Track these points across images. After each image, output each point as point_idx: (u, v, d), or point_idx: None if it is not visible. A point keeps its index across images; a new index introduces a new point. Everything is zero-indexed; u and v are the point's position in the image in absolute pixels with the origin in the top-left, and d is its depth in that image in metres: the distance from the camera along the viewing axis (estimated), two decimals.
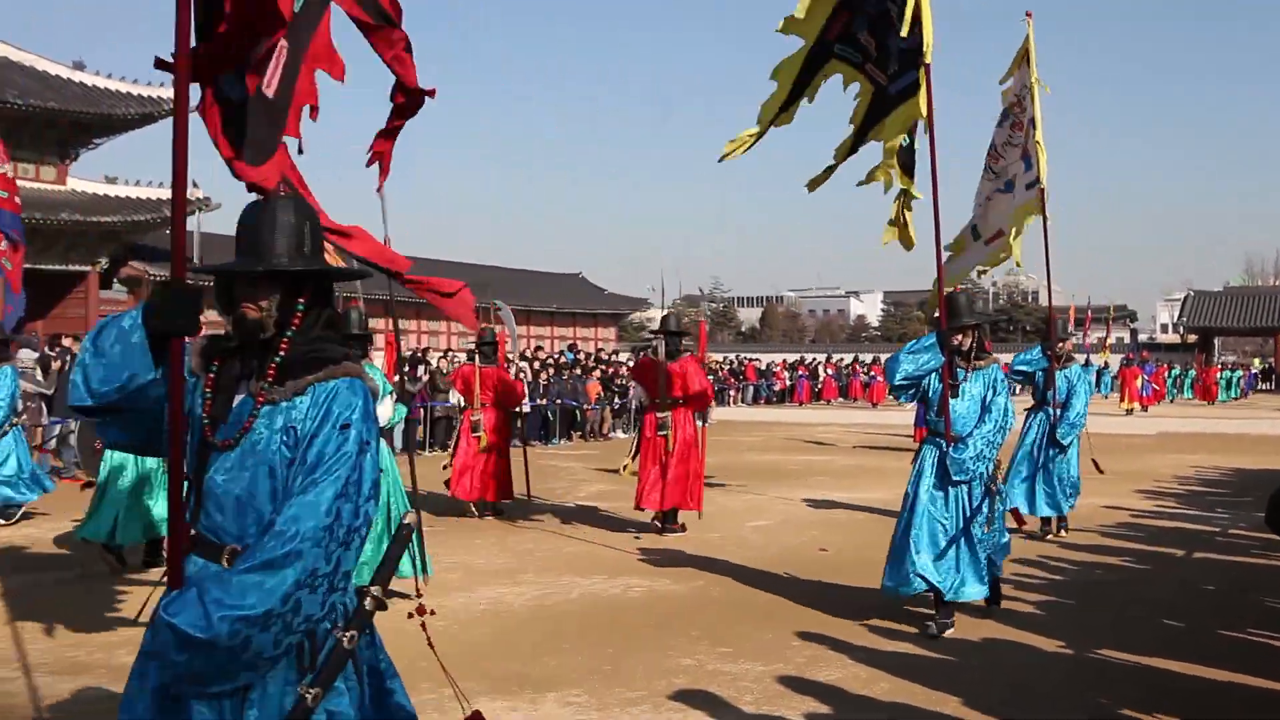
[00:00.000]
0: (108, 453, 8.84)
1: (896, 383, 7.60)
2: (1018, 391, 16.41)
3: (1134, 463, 19.34)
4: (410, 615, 3.24)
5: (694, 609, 8.03)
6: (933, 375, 7.52)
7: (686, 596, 8.42)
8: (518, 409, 13.61)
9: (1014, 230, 10.75)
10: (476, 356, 13.04)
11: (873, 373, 45.09)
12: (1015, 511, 8.49)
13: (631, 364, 20.57)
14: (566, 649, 6.91)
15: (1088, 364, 12.92)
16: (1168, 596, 8.55)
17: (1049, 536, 11.06)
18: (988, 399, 7.55)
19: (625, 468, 12.82)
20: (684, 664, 6.58)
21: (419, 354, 25.95)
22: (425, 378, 21.42)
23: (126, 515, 8.75)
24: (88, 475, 7.65)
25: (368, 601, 2.96)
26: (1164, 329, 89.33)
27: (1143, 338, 75.66)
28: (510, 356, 17.87)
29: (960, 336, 7.61)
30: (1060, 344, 10.79)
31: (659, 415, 11.43)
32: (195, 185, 36.71)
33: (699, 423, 11.75)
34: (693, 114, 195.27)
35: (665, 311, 14.15)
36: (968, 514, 7.37)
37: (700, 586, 8.75)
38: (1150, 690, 6.08)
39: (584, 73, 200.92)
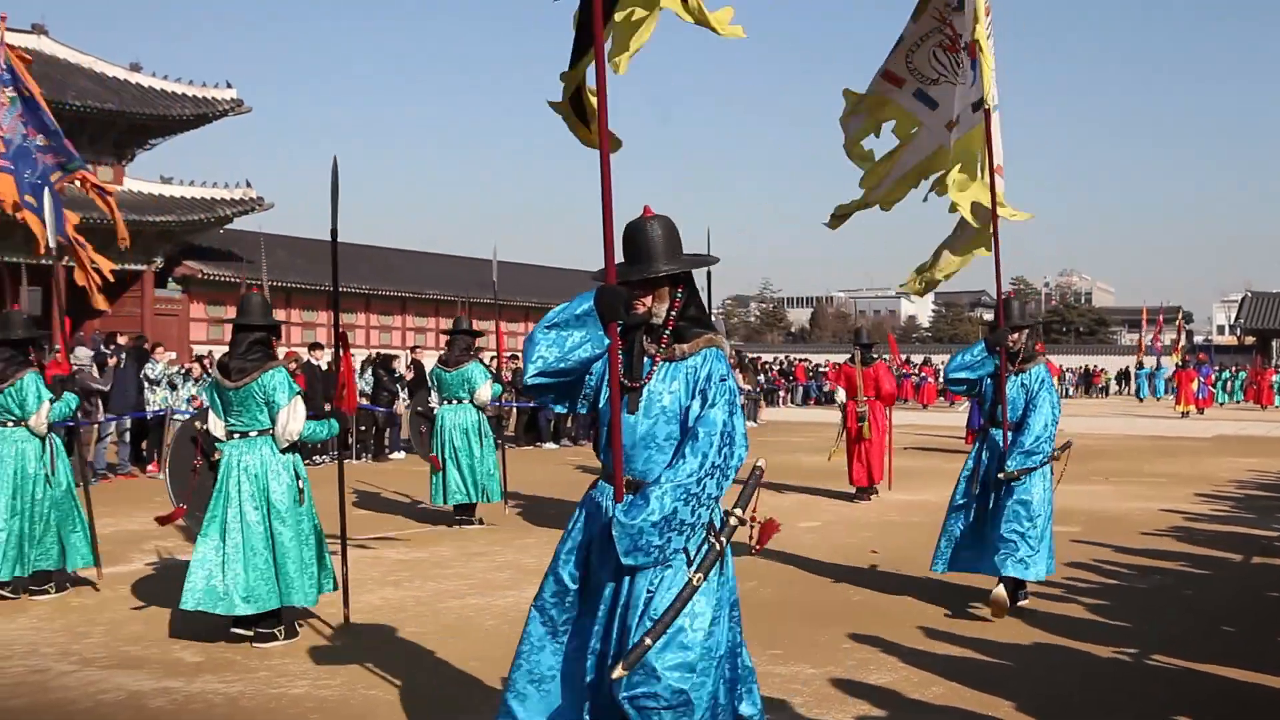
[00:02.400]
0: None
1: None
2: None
3: (1191, 466, 19.10)
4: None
5: (745, 610, 7.92)
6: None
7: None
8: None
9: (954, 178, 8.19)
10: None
11: (923, 374, 44.80)
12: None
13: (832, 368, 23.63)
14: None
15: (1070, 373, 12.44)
16: (1226, 602, 8.41)
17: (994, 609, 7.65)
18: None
19: (831, 454, 14.88)
20: None
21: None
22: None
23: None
24: (177, 503, 7.63)
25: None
26: (1220, 330, 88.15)
27: (1199, 339, 74.71)
28: None
29: (1012, 338, 7.99)
30: (1014, 337, 8.02)
31: (859, 409, 14.22)
32: (249, 186, 37.12)
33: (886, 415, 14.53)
34: (743, 115, 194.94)
35: (856, 325, 16.39)
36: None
37: (751, 587, 8.70)
38: (1207, 698, 5.98)
39: (638, 73, 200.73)
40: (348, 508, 7.97)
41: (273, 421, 7.11)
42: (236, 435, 7.14)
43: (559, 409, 4.33)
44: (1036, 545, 7.72)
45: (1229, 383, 50.69)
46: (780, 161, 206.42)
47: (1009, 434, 7.89)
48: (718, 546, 3.91)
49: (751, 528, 4.04)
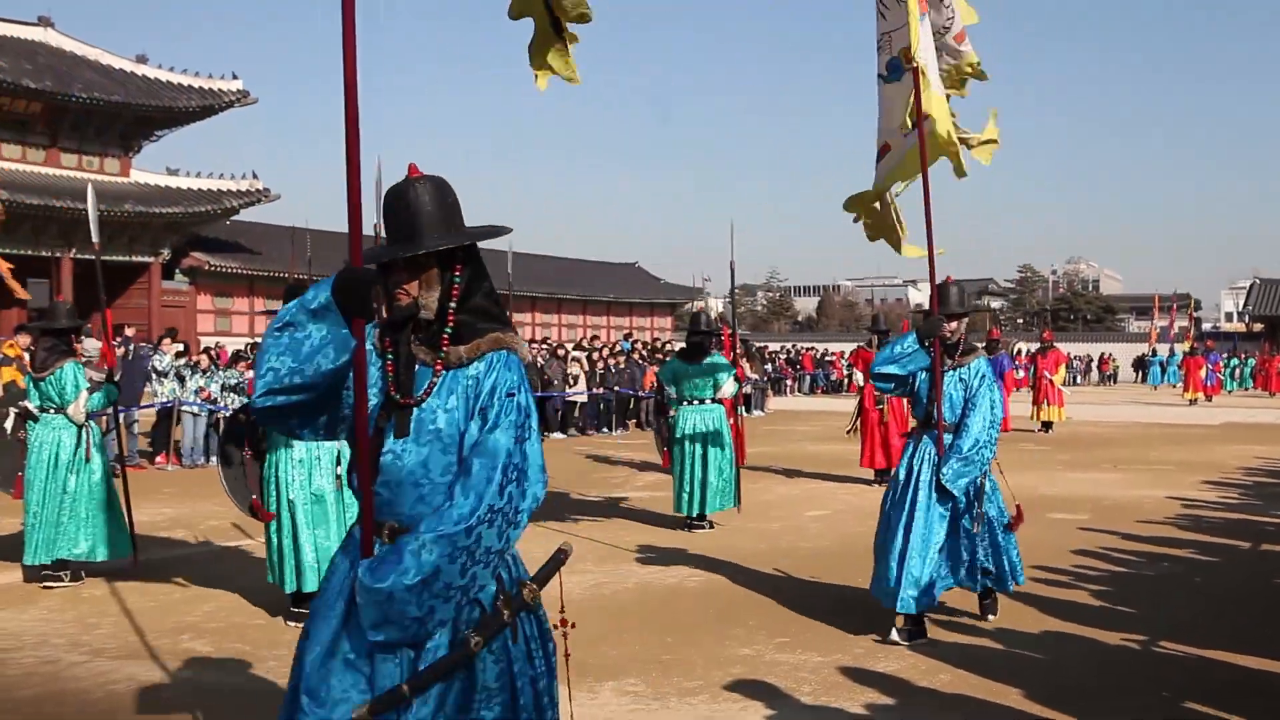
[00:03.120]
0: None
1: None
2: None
3: (1199, 453, 19.07)
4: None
5: (752, 599, 8.00)
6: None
7: (744, 586, 8.39)
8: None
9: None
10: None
11: None
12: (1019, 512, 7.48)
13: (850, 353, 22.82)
14: (624, 638, 6.90)
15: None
16: (1234, 589, 8.40)
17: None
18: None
19: (849, 432, 14.93)
20: (742, 654, 6.55)
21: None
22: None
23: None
24: (258, 511, 7.71)
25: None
26: (1229, 318, 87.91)
27: (1206, 327, 74.53)
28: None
29: (949, 328, 7.06)
30: (951, 326, 7.04)
31: (876, 392, 13.67)
32: (255, 177, 37.14)
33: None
34: (749, 105, 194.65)
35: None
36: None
37: (759, 576, 8.72)
38: (1217, 684, 5.98)
39: (640, 66, 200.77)
40: None
41: None
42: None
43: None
44: (1017, 556, 7.18)
45: (1237, 370, 50.55)
46: (786, 151, 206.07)
47: (945, 437, 6.93)
48: (505, 616, 3.01)
49: (562, 630, 3.27)
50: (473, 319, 3.15)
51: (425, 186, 3.14)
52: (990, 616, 7.30)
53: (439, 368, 3.10)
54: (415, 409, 3.07)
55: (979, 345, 7.42)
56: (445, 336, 3.11)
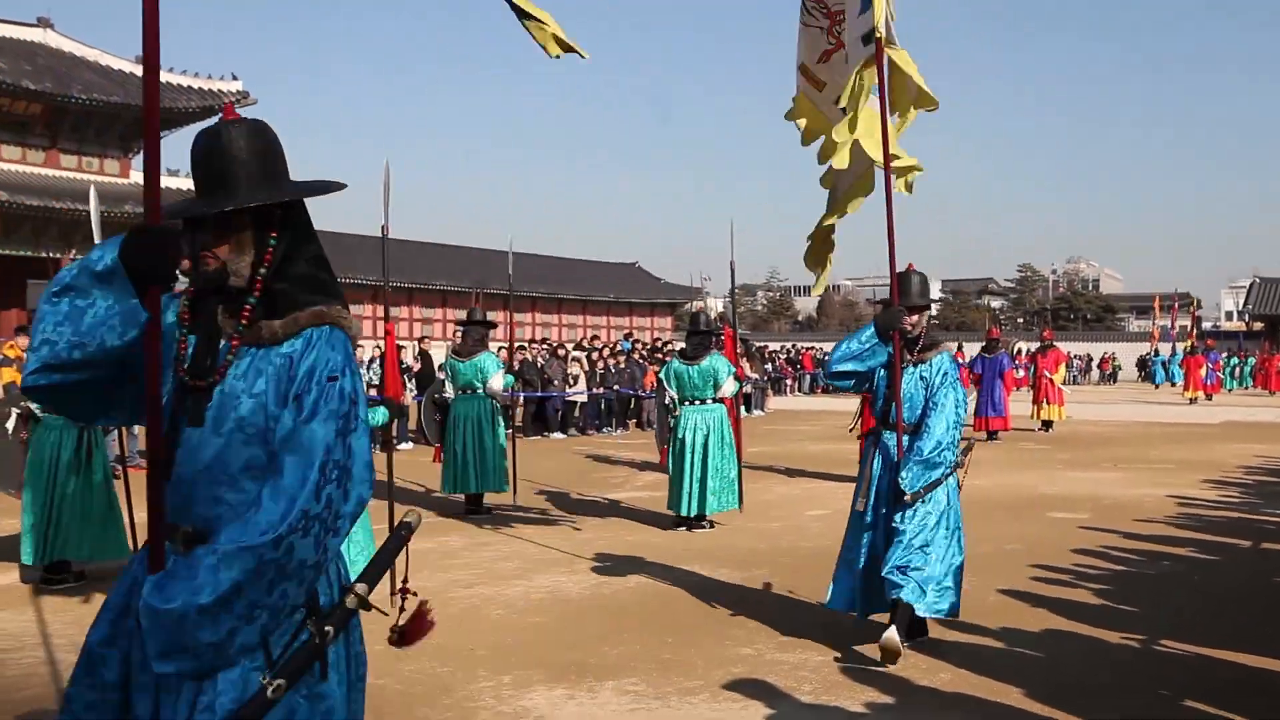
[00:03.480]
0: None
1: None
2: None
3: (1199, 452, 19.07)
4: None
5: (753, 598, 7.99)
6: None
7: (745, 585, 8.39)
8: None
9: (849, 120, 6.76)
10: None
11: None
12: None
13: None
14: (624, 638, 6.90)
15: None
16: (1235, 587, 8.40)
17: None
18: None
19: (851, 430, 14.01)
20: (742, 653, 6.55)
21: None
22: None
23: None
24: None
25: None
26: (1229, 316, 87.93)
27: (1206, 326, 74.53)
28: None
29: (910, 320, 6.57)
30: (912, 319, 6.56)
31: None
32: None
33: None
34: (750, 105, 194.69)
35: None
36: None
37: (759, 575, 8.72)
38: (1218, 683, 5.97)
39: (640, 66, 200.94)
40: None
41: None
42: None
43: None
44: (942, 575, 6.38)
45: (1237, 369, 50.56)
46: (786, 151, 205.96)
47: (905, 439, 6.48)
48: (317, 641, 2.56)
49: (398, 609, 2.82)
50: (294, 289, 2.68)
51: (242, 130, 2.70)
52: (903, 642, 6.22)
53: (236, 343, 2.63)
54: (216, 393, 2.60)
55: (942, 340, 6.87)
56: (248, 307, 2.64)
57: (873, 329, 6.43)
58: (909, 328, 6.56)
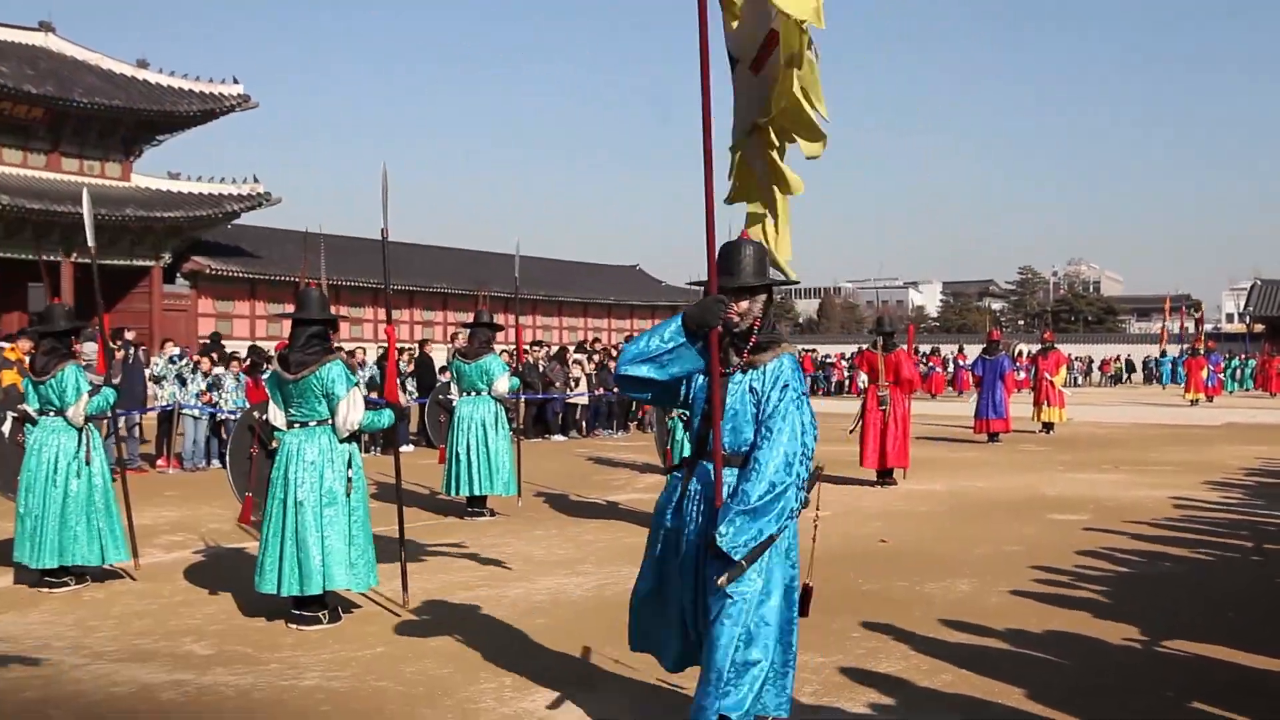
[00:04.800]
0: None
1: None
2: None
3: (1200, 454, 19.06)
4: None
5: None
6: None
7: None
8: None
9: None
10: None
11: (930, 363, 44.74)
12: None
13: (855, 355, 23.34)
14: (626, 639, 6.88)
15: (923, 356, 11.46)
16: (1237, 590, 8.39)
17: None
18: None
19: (851, 433, 15.01)
20: None
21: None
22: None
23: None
24: (241, 495, 7.81)
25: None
26: (1229, 318, 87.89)
27: (1207, 327, 74.53)
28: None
29: (736, 309, 4.68)
30: (740, 307, 4.72)
31: (880, 393, 14.42)
32: (256, 181, 37.17)
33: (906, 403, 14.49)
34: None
35: (877, 314, 16.47)
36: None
37: None
38: (1219, 684, 5.97)
39: (640, 66, 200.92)
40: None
41: (332, 413, 7.36)
42: (296, 425, 7.43)
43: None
44: (763, 669, 4.71)
45: (1238, 370, 50.53)
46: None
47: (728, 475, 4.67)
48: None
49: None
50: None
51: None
52: None
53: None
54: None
55: (783, 338, 4.85)
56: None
57: (679, 322, 4.51)
58: (735, 318, 4.68)
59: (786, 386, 4.68)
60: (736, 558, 4.48)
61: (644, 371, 4.59)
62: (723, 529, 4.48)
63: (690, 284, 7.39)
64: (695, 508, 4.79)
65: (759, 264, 4.80)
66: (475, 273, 45.48)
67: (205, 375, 17.44)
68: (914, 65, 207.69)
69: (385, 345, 8.58)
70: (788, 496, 4.64)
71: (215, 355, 19.12)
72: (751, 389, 4.71)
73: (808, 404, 4.76)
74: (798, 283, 6.50)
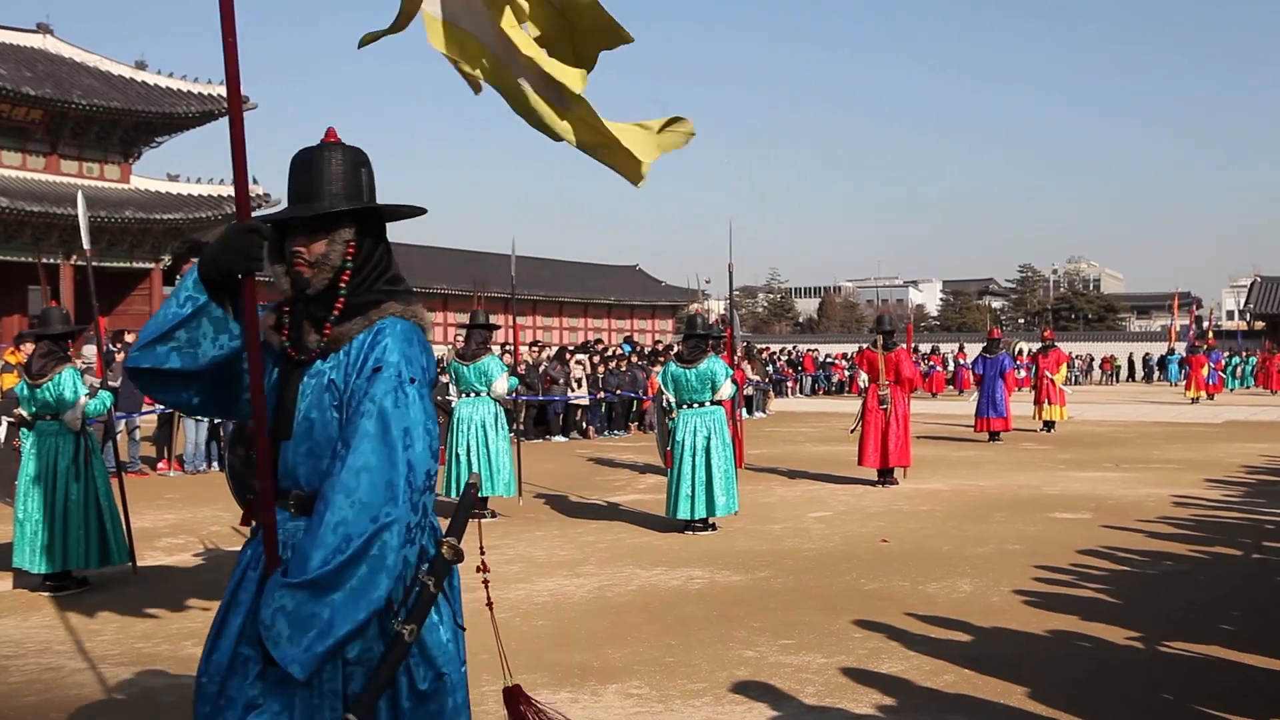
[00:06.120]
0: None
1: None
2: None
3: (1201, 452, 19.06)
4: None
5: (755, 600, 7.99)
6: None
7: (748, 588, 8.38)
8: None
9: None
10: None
11: (931, 362, 44.75)
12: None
13: (855, 354, 22.76)
14: (628, 640, 6.90)
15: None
16: (1238, 588, 8.39)
17: None
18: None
19: (852, 432, 15.04)
20: (745, 656, 6.55)
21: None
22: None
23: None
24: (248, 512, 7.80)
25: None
26: (1230, 315, 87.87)
27: (1207, 325, 74.53)
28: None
29: (304, 253, 3.00)
30: (298, 247, 2.98)
31: (880, 393, 14.36)
32: (255, 182, 37.14)
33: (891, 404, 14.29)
34: (750, 104, 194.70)
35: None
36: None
37: (762, 578, 8.71)
38: (1221, 683, 5.97)
39: (640, 66, 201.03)
40: None
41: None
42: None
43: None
44: None
45: (1239, 368, 50.51)
46: (786, 151, 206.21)
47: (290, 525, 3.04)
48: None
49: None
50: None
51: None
52: None
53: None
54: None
55: (403, 299, 3.07)
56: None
57: (195, 276, 2.92)
58: (304, 271, 3.00)
59: (379, 369, 2.87)
60: (300, 675, 2.74)
61: (163, 360, 2.92)
62: (267, 619, 2.77)
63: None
64: (256, 583, 3.05)
65: (350, 180, 3.07)
66: (474, 273, 45.45)
67: None
68: (914, 65, 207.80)
69: None
70: (381, 556, 2.76)
71: None
72: (331, 384, 2.95)
73: (421, 395, 2.91)
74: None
